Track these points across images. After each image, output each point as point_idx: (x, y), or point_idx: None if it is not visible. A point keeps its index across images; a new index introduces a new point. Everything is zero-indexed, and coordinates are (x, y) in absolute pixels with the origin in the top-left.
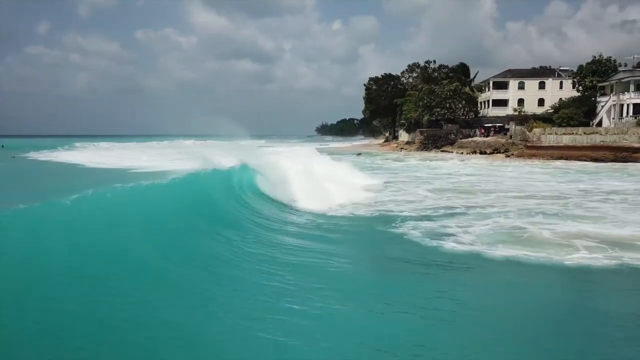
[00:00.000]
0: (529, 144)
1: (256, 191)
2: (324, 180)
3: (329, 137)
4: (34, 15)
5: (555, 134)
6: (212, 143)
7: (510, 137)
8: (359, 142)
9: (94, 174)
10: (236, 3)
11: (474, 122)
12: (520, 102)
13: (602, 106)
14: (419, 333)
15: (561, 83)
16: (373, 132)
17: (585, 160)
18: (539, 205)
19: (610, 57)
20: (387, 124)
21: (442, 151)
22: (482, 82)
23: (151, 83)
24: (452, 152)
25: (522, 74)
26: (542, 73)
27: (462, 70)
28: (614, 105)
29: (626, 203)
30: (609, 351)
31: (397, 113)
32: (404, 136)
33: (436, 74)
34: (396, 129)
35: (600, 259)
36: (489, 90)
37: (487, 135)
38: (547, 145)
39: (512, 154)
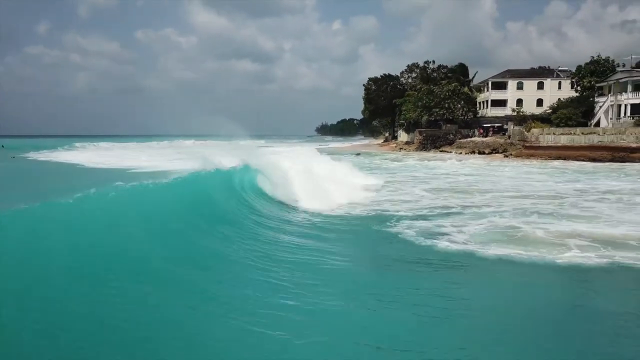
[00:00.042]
0: (527, 144)
1: (258, 191)
2: (324, 180)
3: (329, 137)
4: (34, 15)
5: (554, 134)
6: (212, 143)
7: (509, 137)
8: (359, 142)
9: (94, 174)
10: (236, 3)
11: (472, 123)
12: (519, 102)
13: (600, 106)
14: (409, 328)
15: (560, 83)
16: (373, 132)
17: (583, 161)
18: (534, 204)
19: (609, 57)
20: (387, 124)
21: (440, 151)
22: (480, 83)
23: (151, 83)
24: (450, 152)
25: (521, 74)
26: (541, 73)
27: (461, 71)
28: (612, 105)
29: (621, 203)
30: (598, 347)
31: (396, 113)
32: (403, 136)
33: (435, 74)
34: (395, 129)
35: (592, 257)
36: (487, 90)
37: (486, 136)
38: (545, 145)
39: (511, 154)
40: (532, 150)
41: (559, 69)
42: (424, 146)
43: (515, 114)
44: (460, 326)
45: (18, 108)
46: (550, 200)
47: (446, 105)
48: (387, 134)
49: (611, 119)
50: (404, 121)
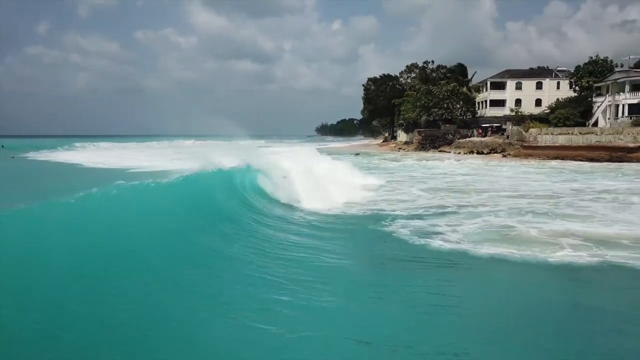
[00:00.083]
0: (525, 144)
1: (258, 191)
2: (324, 180)
3: (329, 137)
4: (34, 15)
5: (552, 134)
6: (212, 143)
7: (507, 137)
8: (358, 142)
9: (93, 174)
10: (236, 3)
11: (471, 122)
12: (518, 102)
13: (598, 106)
14: (401, 325)
15: (558, 83)
16: (373, 132)
17: (581, 160)
18: (530, 204)
19: (607, 57)
20: (386, 124)
21: (439, 151)
22: (479, 83)
23: (151, 83)
24: (449, 152)
25: (520, 75)
26: (540, 73)
27: (459, 71)
28: (610, 105)
29: (617, 202)
30: (590, 346)
31: (395, 113)
32: (402, 136)
33: (434, 75)
34: (395, 129)
35: (583, 256)
36: (486, 90)
37: (485, 136)
38: (543, 145)
39: (509, 154)
40: (530, 150)
41: (558, 69)
42: (422, 146)
43: (513, 114)
44: (452, 323)
45: (18, 108)
46: (546, 200)
47: (445, 106)
48: (386, 134)
49: (609, 119)
50: (403, 121)
